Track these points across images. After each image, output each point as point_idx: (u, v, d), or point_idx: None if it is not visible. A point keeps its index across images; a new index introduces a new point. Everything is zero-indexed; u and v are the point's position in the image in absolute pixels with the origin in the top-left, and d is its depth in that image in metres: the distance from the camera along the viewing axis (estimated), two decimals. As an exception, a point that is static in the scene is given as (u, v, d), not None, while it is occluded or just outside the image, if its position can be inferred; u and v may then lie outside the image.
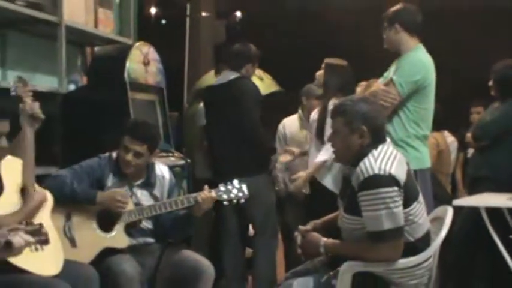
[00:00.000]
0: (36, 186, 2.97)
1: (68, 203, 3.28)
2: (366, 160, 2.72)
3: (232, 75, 4.50)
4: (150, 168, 3.55)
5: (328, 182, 4.24)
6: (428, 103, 3.74)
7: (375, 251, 2.72)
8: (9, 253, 2.44)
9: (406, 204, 2.73)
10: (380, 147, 2.78)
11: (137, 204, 3.44)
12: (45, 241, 2.61)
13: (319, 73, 4.55)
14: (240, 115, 4.40)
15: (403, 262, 2.73)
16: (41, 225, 2.62)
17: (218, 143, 4.57)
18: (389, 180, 2.67)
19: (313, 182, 4.35)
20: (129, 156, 3.40)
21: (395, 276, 2.75)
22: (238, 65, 4.52)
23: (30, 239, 2.47)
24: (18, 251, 2.44)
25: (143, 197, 3.50)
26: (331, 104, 4.30)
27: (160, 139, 3.84)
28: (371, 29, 4.43)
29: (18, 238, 2.40)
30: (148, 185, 3.53)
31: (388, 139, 2.89)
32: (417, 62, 3.69)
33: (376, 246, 2.71)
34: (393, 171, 2.69)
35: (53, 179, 3.29)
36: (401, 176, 2.72)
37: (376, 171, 2.68)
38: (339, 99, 4.31)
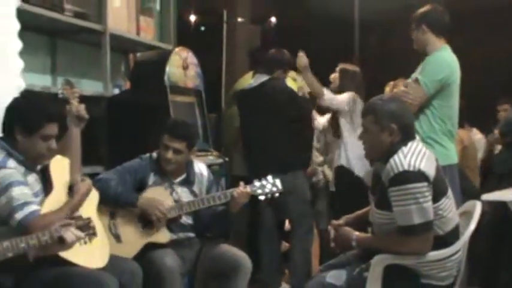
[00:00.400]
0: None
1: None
2: (395, 157, 2.68)
3: (264, 78, 4.50)
4: (189, 166, 3.55)
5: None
6: (453, 101, 3.69)
7: (406, 245, 2.68)
8: (62, 248, 2.45)
9: (436, 199, 2.68)
10: (409, 144, 2.74)
11: (177, 200, 3.44)
12: (93, 234, 2.63)
13: (334, 76, 4.66)
14: (276, 114, 4.41)
15: (433, 255, 2.68)
16: (89, 219, 2.64)
17: (255, 143, 4.56)
18: (418, 176, 2.63)
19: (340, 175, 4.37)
20: (169, 154, 3.41)
21: (425, 269, 2.70)
22: (269, 69, 4.53)
23: (81, 234, 2.49)
24: (70, 246, 2.45)
25: (183, 193, 3.50)
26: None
27: (198, 137, 3.85)
28: (401, 31, 4.39)
29: (70, 234, 2.42)
30: (188, 182, 3.54)
31: (417, 136, 2.85)
32: (441, 62, 3.65)
33: (407, 239, 2.67)
34: (422, 167, 2.65)
35: (98, 181, 3.29)
36: (431, 171, 2.68)
37: (406, 168, 2.64)
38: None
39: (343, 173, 4.55)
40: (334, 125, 4.67)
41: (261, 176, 3.53)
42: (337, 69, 4.64)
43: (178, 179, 3.52)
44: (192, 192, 3.53)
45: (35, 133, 2.71)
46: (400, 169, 2.64)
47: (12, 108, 2.76)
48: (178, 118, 3.94)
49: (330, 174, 4.91)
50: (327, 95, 4.50)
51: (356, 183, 4.44)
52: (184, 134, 3.46)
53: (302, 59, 4.47)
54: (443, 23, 3.73)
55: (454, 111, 3.71)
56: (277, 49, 4.66)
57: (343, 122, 4.57)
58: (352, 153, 4.48)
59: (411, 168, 2.63)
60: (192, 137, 3.53)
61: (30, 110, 2.73)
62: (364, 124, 2.86)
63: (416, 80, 3.60)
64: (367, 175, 4.37)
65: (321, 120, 4.96)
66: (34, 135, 2.71)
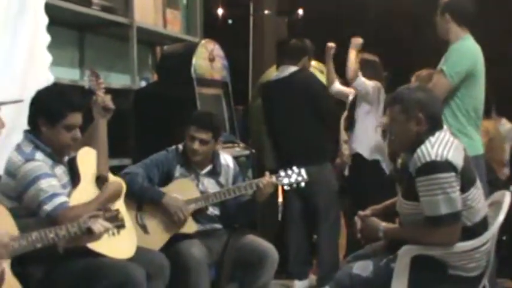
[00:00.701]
0: (111, 175, 3.01)
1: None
2: (423, 147, 2.65)
3: (292, 69, 4.49)
4: (215, 157, 3.56)
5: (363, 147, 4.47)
6: (478, 91, 3.65)
7: (433, 235, 2.65)
8: (91, 239, 2.47)
9: (464, 189, 2.64)
10: (437, 133, 2.70)
11: (204, 191, 3.45)
12: (121, 226, 2.64)
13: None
14: (307, 105, 4.40)
15: (461, 246, 2.64)
16: (117, 211, 2.66)
17: (283, 134, 4.56)
18: (446, 165, 2.59)
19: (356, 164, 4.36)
20: (196, 145, 3.42)
21: (453, 260, 2.67)
22: (296, 58, 4.52)
23: (109, 225, 2.50)
24: (98, 237, 2.47)
25: (210, 184, 3.51)
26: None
27: (223, 127, 3.84)
28: (428, 21, 4.34)
29: (98, 225, 2.43)
30: (214, 173, 3.54)
31: (445, 126, 2.81)
32: (465, 51, 3.61)
33: (434, 230, 2.63)
34: (450, 157, 2.61)
35: (126, 175, 3.31)
36: (458, 161, 2.63)
37: (433, 157, 2.60)
38: None
39: (359, 160, 4.52)
40: (348, 119, 4.66)
41: (289, 167, 3.52)
42: (358, 59, 4.58)
43: (205, 170, 3.53)
44: (218, 183, 3.54)
45: (58, 123, 2.72)
46: (428, 159, 2.61)
47: (35, 101, 2.78)
48: (204, 109, 3.95)
49: None
50: (336, 86, 4.63)
51: (370, 170, 4.45)
52: (210, 124, 3.47)
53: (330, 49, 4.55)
54: (467, 13, 3.71)
55: (479, 102, 3.66)
56: (298, 38, 4.65)
57: (365, 108, 4.52)
58: (368, 139, 4.48)
59: (438, 158, 2.60)
60: (217, 127, 3.53)
61: (52, 100, 2.75)
62: (391, 114, 2.82)
63: (441, 71, 3.56)
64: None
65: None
66: (57, 126, 2.73)
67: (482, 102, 3.69)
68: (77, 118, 2.77)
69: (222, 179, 3.56)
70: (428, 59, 4.20)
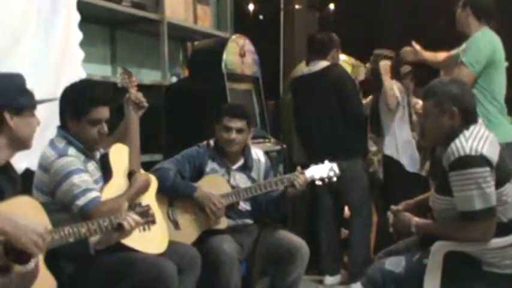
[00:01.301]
0: (142, 171, 3.02)
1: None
2: (457, 141, 2.61)
3: (324, 63, 4.46)
4: (246, 152, 3.56)
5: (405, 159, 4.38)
6: (500, 77, 3.72)
7: (467, 231, 2.61)
8: (121, 236, 2.49)
9: (499, 184, 2.60)
10: (471, 127, 2.66)
11: (235, 186, 3.46)
12: (152, 221, 2.65)
13: (368, 65, 4.65)
14: (339, 101, 4.38)
15: (496, 242, 2.60)
16: (148, 206, 2.66)
17: (314, 129, 4.54)
18: (480, 160, 2.55)
19: (388, 166, 4.30)
20: (232, 135, 3.42)
21: (487, 256, 2.62)
22: (325, 52, 4.49)
23: (140, 219, 2.51)
24: (128, 233, 2.48)
25: (241, 179, 3.51)
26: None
27: (254, 117, 3.83)
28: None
29: (130, 219, 2.45)
30: (246, 168, 3.55)
31: (480, 120, 2.76)
32: (483, 39, 3.68)
33: (468, 226, 2.59)
34: (485, 152, 2.56)
35: (157, 170, 3.32)
36: (493, 156, 2.59)
37: (468, 152, 2.56)
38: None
39: (391, 164, 4.48)
40: (374, 121, 4.62)
41: (320, 161, 3.51)
42: (371, 56, 4.60)
43: (236, 165, 3.53)
44: (250, 178, 3.54)
45: (83, 118, 2.75)
46: (462, 153, 2.57)
47: (62, 97, 2.82)
48: (234, 102, 3.98)
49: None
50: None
51: (403, 174, 4.41)
52: (243, 112, 3.50)
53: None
54: (488, 9, 3.78)
55: (501, 88, 3.73)
56: (324, 32, 4.65)
57: (398, 115, 4.48)
58: (402, 142, 4.45)
59: (473, 153, 2.56)
60: (250, 115, 3.56)
61: (75, 96, 2.78)
62: (425, 108, 2.79)
63: (462, 63, 3.61)
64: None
65: None
66: (82, 120, 2.75)
67: (504, 90, 3.73)
68: (101, 113, 2.78)
69: (253, 174, 3.56)
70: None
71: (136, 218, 2.49)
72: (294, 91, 4.78)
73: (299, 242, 3.40)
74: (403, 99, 4.47)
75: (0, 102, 2.22)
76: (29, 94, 2.32)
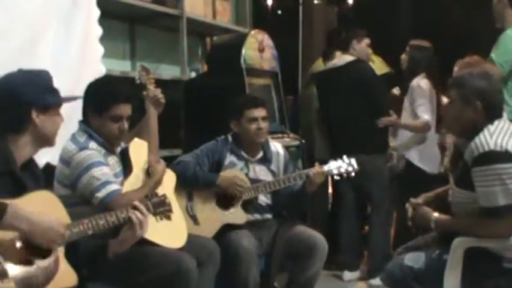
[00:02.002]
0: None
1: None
2: (481, 135, 2.57)
3: (349, 58, 4.45)
4: (265, 144, 3.57)
5: (414, 157, 4.32)
6: None
7: (488, 227, 2.58)
8: (133, 230, 2.45)
9: (523, 181, 2.55)
10: (496, 122, 2.61)
11: (254, 178, 3.46)
12: (169, 210, 2.65)
13: (403, 56, 4.52)
14: (364, 96, 4.37)
15: (518, 238, 2.57)
16: (164, 195, 2.67)
17: (338, 124, 4.53)
18: (505, 156, 2.51)
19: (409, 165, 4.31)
20: (261, 123, 3.45)
21: (508, 253, 2.59)
22: (345, 43, 4.50)
23: (145, 211, 2.47)
24: (140, 227, 2.45)
25: (261, 172, 3.52)
26: (415, 83, 4.33)
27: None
28: (481, 8, 4.23)
29: (138, 214, 2.44)
30: (266, 160, 3.55)
31: (505, 115, 2.73)
32: None
33: (490, 222, 2.56)
34: (510, 147, 2.52)
35: (177, 164, 3.35)
36: (518, 152, 2.55)
37: (492, 147, 2.52)
38: (422, 79, 4.31)
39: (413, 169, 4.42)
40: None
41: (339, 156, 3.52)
42: (407, 47, 4.51)
43: (256, 158, 3.54)
44: (270, 171, 3.55)
45: (104, 114, 2.78)
46: (486, 148, 2.53)
47: (86, 92, 2.84)
48: (244, 94, 4.02)
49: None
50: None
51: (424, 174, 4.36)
52: (261, 100, 3.57)
53: None
54: None
55: None
56: (346, 26, 4.71)
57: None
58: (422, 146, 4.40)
59: (498, 148, 2.52)
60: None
61: (99, 91, 2.81)
62: (451, 95, 2.75)
63: (491, 60, 3.53)
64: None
65: None
66: (104, 116, 2.78)
67: None
68: (122, 110, 2.81)
69: (273, 167, 3.57)
70: (482, 48, 4.10)
71: (142, 209, 2.46)
72: (318, 85, 4.77)
73: (318, 237, 3.40)
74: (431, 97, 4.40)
75: (27, 99, 2.23)
76: (55, 92, 2.34)
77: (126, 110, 2.82)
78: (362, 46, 4.56)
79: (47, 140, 2.32)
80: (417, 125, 4.30)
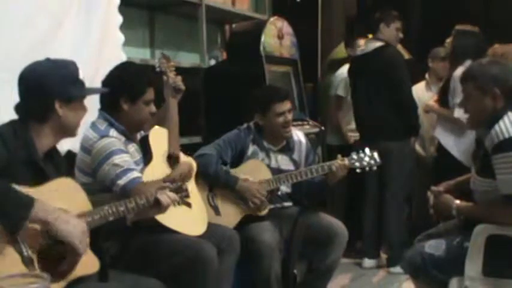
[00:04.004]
0: (182, 155, 3.04)
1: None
2: (501, 122, 2.55)
3: (377, 43, 4.41)
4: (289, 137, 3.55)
5: (451, 146, 4.17)
6: None
7: (510, 214, 2.55)
8: (158, 210, 2.51)
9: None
10: None
11: (277, 168, 3.46)
12: (186, 196, 2.67)
13: (449, 40, 4.36)
14: (391, 83, 4.34)
15: (539, 225, 2.55)
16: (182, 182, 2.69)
17: (366, 110, 4.52)
18: None
19: (441, 146, 4.23)
20: (288, 116, 3.45)
21: (530, 240, 2.57)
22: (374, 27, 4.47)
23: (176, 196, 2.52)
24: (165, 209, 2.50)
25: (283, 161, 3.51)
26: (460, 70, 4.14)
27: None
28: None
29: (165, 196, 2.47)
30: (288, 149, 3.55)
31: None
32: None
33: (511, 209, 2.54)
34: None
35: (200, 157, 3.32)
36: (539, 139, 2.52)
37: None
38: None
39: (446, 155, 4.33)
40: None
41: (373, 143, 3.56)
42: (453, 31, 4.32)
43: (278, 147, 3.53)
44: (292, 160, 3.54)
45: (139, 99, 2.81)
46: (506, 136, 2.51)
47: (115, 81, 2.83)
48: (267, 86, 4.00)
49: (419, 149, 4.88)
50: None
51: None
52: (285, 92, 3.56)
53: None
54: None
55: None
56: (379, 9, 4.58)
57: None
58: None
59: None
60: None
61: (133, 78, 2.82)
62: (465, 91, 2.73)
63: None
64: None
65: None
66: (138, 102, 2.81)
67: None
68: (152, 93, 2.86)
69: (295, 156, 3.56)
70: (501, 38, 4.05)
71: (172, 194, 2.50)
72: (349, 72, 4.73)
73: (339, 225, 3.39)
74: None
75: (52, 90, 2.24)
76: (80, 84, 2.34)
77: (153, 93, 2.87)
78: (391, 29, 4.47)
79: (68, 131, 2.34)
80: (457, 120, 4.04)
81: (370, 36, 4.57)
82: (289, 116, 3.46)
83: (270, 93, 3.56)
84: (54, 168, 2.32)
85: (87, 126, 2.78)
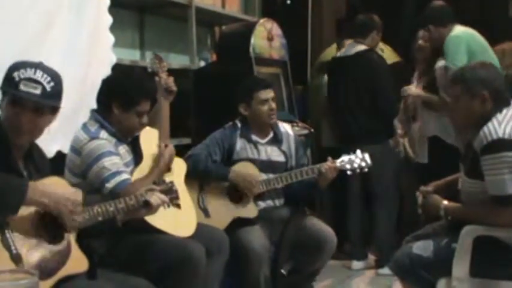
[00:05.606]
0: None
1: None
2: (489, 124, 2.57)
3: (359, 47, 4.44)
4: (275, 125, 3.57)
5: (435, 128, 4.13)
6: None
7: (498, 216, 2.58)
8: (148, 212, 2.52)
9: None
10: (504, 111, 2.61)
11: (268, 160, 3.48)
12: (176, 198, 2.68)
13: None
14: (370, 86, 4.38)
15: (527, 227, 2.57)
16: (172, 183, 2.69)
17: (345, 112, 4.54)
18: None
19: (432, 149, 4.24)
20: (272, 104, 3.47)
21: (517, 241, 2.60)
22: (364, 34, 4.50)
23: (165, 198, 2.54)
24: (155, 210, 2.51)
25: (273, 152, 3.53)
26: (441, 63, 4.10)
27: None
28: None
29: (155, 197, 2.48)
30: (277, 141, 3.56)
31: None
32: None
33: (499, 210, 2.56)
34: None
35: (189, 157, 3.34)
36: (527, 140, 2.55)
37: (501, 135, 2.52)
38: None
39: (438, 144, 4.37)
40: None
41: (353, 146, 3.53)
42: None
43: (266, 139, 3.54)
44: (281, 151, 3.55)
45: (132, 109, 2.80)
46: (495, 137, 2.53)
47: (112, 83, 2.85)
48: (250, 77, 4.03)
49: (409, 150, 4.84)
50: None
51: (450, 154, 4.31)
52: (268, 81, 3.61)
53: None
54: None
55: None
56: (366, 14, 4.63)
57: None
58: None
59: (506, 136, 2.52)
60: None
61: (130, 86, 2.81)
62: (454, 93, 2.76)
63: None
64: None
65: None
66: (131, 111, 2.80)
67: None
68: (147, 105, 2.85)
69: (284, 147, 3.57)
70: (497, 38, 4.07)
71: (162, 196, 2.52)
72: (328, 72, 4.76)
73: (328, 233, 3.40)
74: None
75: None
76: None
77: (148, 105, 2.86)
78: (378, 38, 4.58)
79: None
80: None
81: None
82: (273, 104, 3.47)
83: (252, 82, 3.60)
84: (35, 168, 2.33)
85: (78, 127, 2.79)
